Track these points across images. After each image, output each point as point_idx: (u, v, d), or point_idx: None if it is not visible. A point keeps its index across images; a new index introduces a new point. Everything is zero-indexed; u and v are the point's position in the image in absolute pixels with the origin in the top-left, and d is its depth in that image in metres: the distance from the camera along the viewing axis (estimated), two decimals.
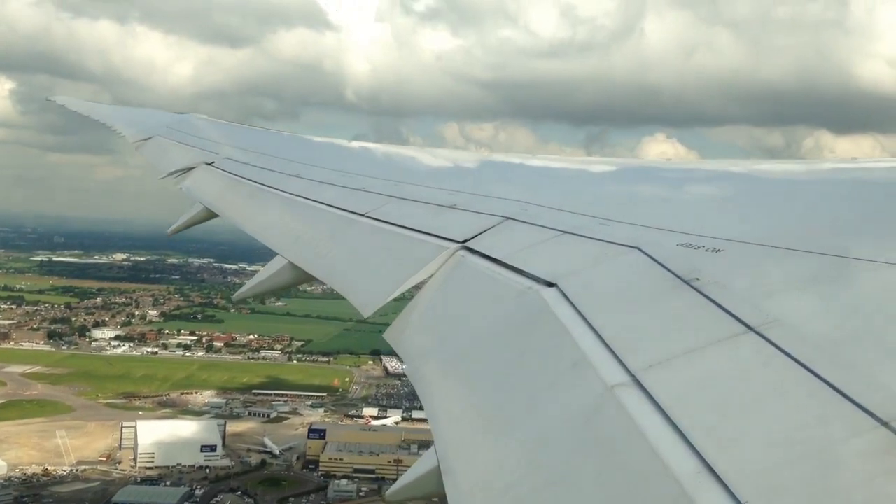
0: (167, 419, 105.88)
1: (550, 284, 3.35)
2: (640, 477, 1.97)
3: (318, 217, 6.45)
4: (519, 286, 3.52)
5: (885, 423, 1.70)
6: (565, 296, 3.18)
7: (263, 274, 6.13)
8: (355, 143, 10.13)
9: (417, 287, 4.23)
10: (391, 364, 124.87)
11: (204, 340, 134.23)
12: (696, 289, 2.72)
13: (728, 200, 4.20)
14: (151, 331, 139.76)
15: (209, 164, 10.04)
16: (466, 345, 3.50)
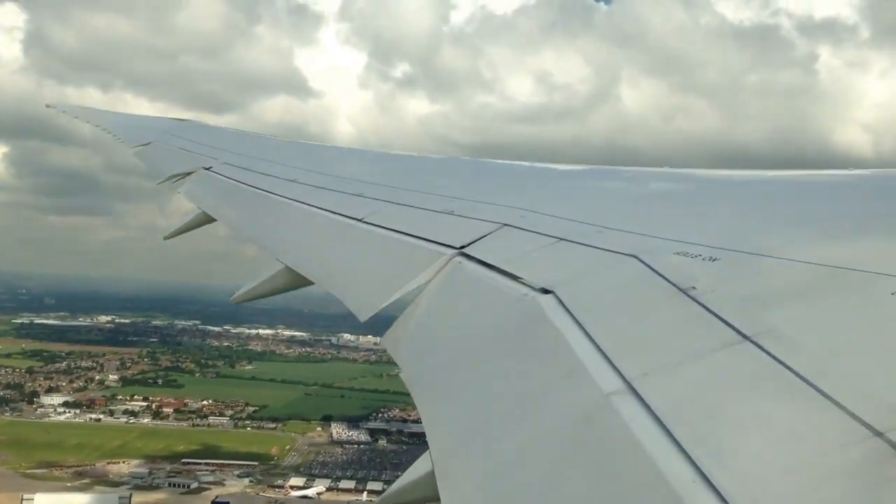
0: (74, 491, 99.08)
1: (547, 291, 3.35)
2: (635, 485, 1.97)
3: (315, 222, 6.46)
4: (515, 293, 3.51)
5: (879, 434, 1.70)
6: (562, 303, 3.18)
7: (260, 277, 6.13)
8: (353, 149, 10.14)
9: (414, 292, 4.23)
10: (337, 430, 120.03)
11: (153, 406, 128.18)
12: (692, 297, 2.72)
13: (726, 209, 4.21)
14: (103, 397, 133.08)
15: (207, 169, 10.04)
16: (462, 350, 3.49)
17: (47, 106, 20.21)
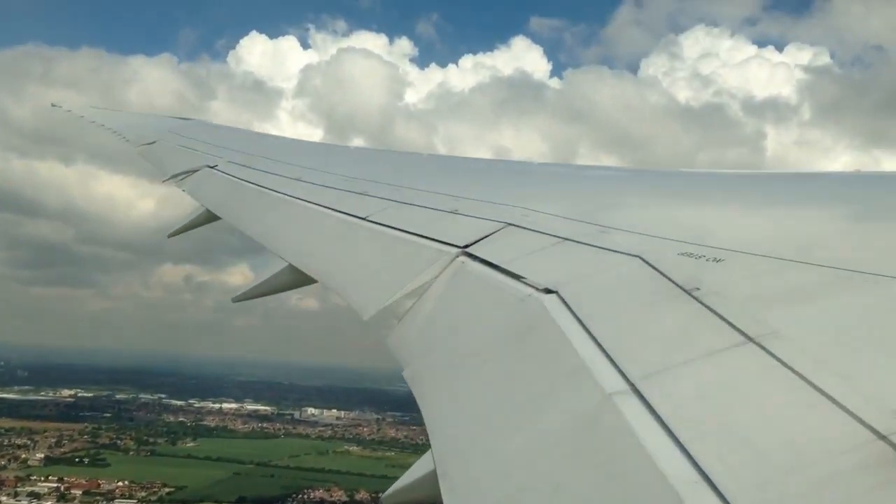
0: None
1: (550, 291, 3.34)
2: (637, 485, 1.96)
3: (319, 220, 6.46)
4: (519, 292, 3.51)
5: (883, 437, 1.69)
6: (565, 303, 3.18)
7: (264, 276, 6.13)
8: (358, 148, 10.15)
9: (417, 291, 4.23)
10: None
11: (62, 489, 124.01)
12: (696, 298, 2.71)
13: (730, 209, 4.20)
14: (16, 477, 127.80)
15: (212, 167, 10.06)
16: (465, 349, 3.49)
17: (53, 105, 20.22)
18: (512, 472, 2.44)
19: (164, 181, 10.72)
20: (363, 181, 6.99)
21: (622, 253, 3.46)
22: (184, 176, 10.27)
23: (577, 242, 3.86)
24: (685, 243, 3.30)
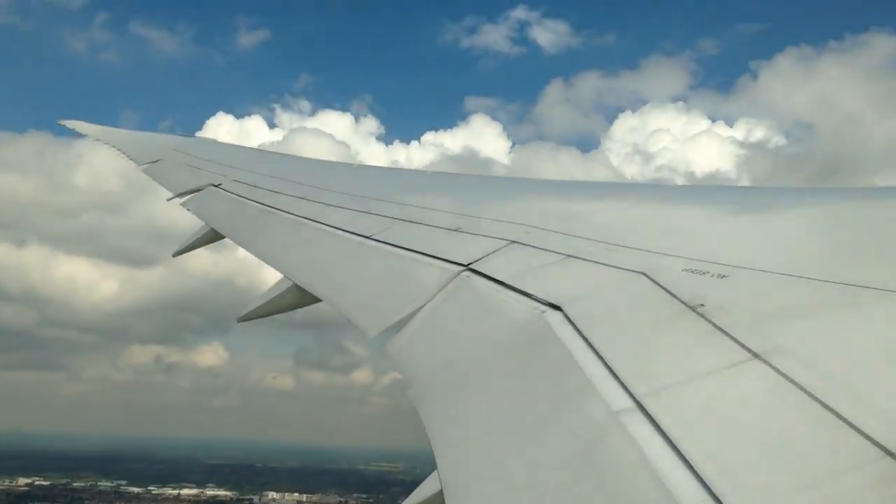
0: None
1: (555, 308, 3.34)
2: None
3: (324, 239, 6.47)
4: (523, 309, 3.51)
5: (891, 454, 1.68)
6: (570, 320, 3.17)
7: (268, 295, 6.13)
8: (362, 166, 10.18)
9: (422, 309, 4.23)
10: None
11: None
12: (701, 315, 2.71)
13: (735, 225, 4.19)
14: None
15: (216, 185, 10.09)
16: (470, 366, 3.48)
17: (58, 123, 20.32)
18: (519, 491, 2.43)
19: (168, 200, 10.76)
20: (367, 199, 7.00)
21: (627, 270, 3.46)
22: (188, 195, 10.30)
23: (582, 259, 3.86)
24: (690, 259, 3.30)
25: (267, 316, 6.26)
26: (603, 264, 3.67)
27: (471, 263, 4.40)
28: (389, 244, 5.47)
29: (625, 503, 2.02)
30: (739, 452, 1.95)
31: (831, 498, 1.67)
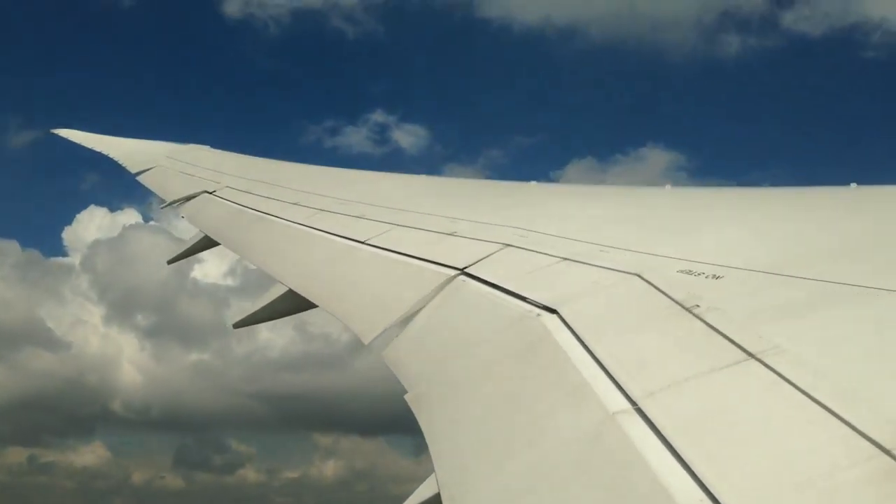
0: None
1: (551, 310, 3.35)
2: None
3: (318, 244, 6.47)
4: (519, 312, 3.51)
5: (887, 451, 1.69)
6: (566, 322, 3.18)
7: (263, 301, 6.12)
8: (355, 172, 10.18)
9: (417, 313, 4.23)
10: None
11: None
12: (696, 315, 2.72)
13: (728, 226, 4.21)
14: None
15: (210, 192, 10.08)
16: (466, 370, 3.49)
17: (50, 132, 20.24)
18: (517, 494, 2.43)
19: (162, 207, 10.74)
20: (361, 204, 7.01)
21: (621, 271, 3.47)
22: (182, 202, 10.29)
23: (576, 261, 3.86)
24: (684, 260, 3.31)
25: (263, 322, 6.26)
26: (597, 266, 3.68)
27: (466, 267, 4.40)
28: (384, 249, 5.47)
29: None
30: (736, 452, 1.96)
31: (827, 495, 1.68)
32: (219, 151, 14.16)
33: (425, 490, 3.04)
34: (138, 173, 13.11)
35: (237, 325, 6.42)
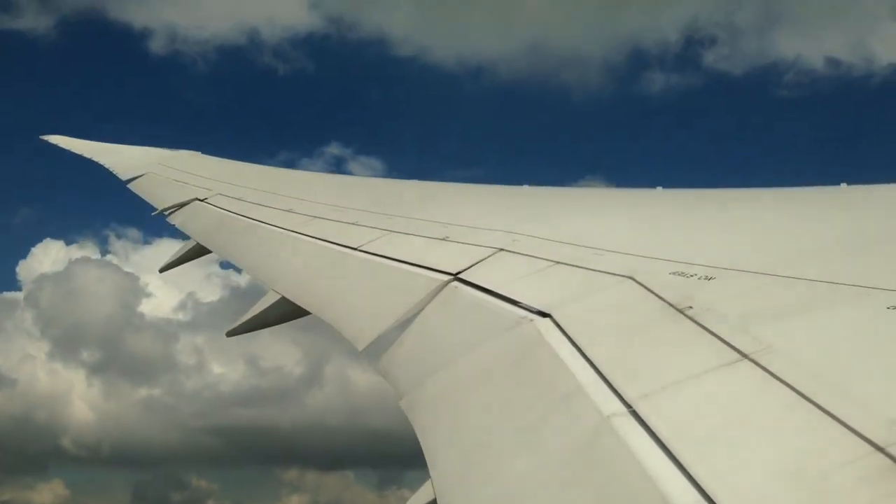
0: None
1: (544, 315, 3.35)
2: None
3: (311, 251, 6.45)
4: (512, 316, 3.51)
5: (881, 449, 1.70)
6: (559, 326, 3.18)
7: (256, 308, 6.10)
8: (348, 177, 10.18)
9: (410, 319, 4.22)
10: None
11: None
12: (689, 317, 2.72)
13: (720, 228, 4.22)
14: None
15: (202, 200, 10.05)
16: (460, 376, 3.48)
17: (41, 138, 20.16)
18: (513, 498, 2.43)
19: (154, 214, 10.71)
20: (354, 210, 7.00)
21: (614, 274, 3.48)
22: (174, 209, 10.26)
23: (569, 265, 3.87)
24: (676, 262, 3.32)
25: (256, 329, 6.23)
26: (590, 269, 3.68)
27: (459, 273, 4.40)
28: (377, 255, 5.47)
29: None
30: (731, 452, 1.96)
31: (822, 495, 1.68)
32: (211, 158, 14.13)
33: (422, 496, 3.04)
34: (129, 180, 13.07)
35: (230, 334, 6.40)
